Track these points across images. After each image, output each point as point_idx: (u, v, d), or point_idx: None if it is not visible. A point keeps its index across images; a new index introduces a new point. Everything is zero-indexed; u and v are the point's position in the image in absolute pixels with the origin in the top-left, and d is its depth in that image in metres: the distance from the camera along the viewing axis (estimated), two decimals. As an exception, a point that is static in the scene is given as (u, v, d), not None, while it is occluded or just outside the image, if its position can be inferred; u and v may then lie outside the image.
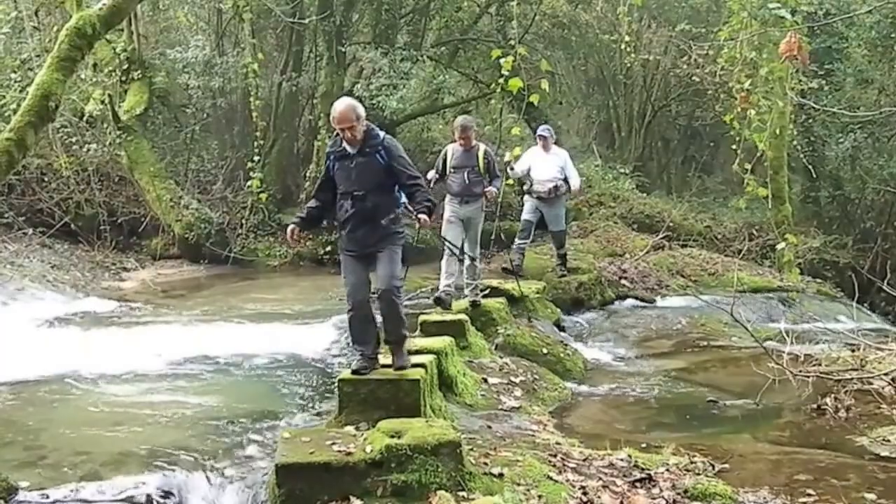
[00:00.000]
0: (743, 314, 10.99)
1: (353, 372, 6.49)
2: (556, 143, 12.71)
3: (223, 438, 6.30)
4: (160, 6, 19.86)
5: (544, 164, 12.20)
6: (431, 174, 9.65)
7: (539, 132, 12.56)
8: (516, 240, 12.49)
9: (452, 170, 9.72)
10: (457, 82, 20.99)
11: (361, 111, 6.42)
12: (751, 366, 9.13)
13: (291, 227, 6.75)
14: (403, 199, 6.64)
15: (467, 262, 9.77)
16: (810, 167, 18.12)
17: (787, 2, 7.45)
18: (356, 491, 5.12)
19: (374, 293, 6.58)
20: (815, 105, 13.41)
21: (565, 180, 12.21)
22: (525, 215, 12.46)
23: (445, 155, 9.87)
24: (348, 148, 6.44)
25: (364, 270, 6.56)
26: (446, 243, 9.42)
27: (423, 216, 6.37)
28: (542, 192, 12.16)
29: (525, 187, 12.48)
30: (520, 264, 12.08)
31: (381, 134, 6.54)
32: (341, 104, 6.42)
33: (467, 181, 9.64)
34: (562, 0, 21.09)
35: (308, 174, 17.31)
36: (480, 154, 9.74)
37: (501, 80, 6.97)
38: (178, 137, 19.50)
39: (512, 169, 11.58)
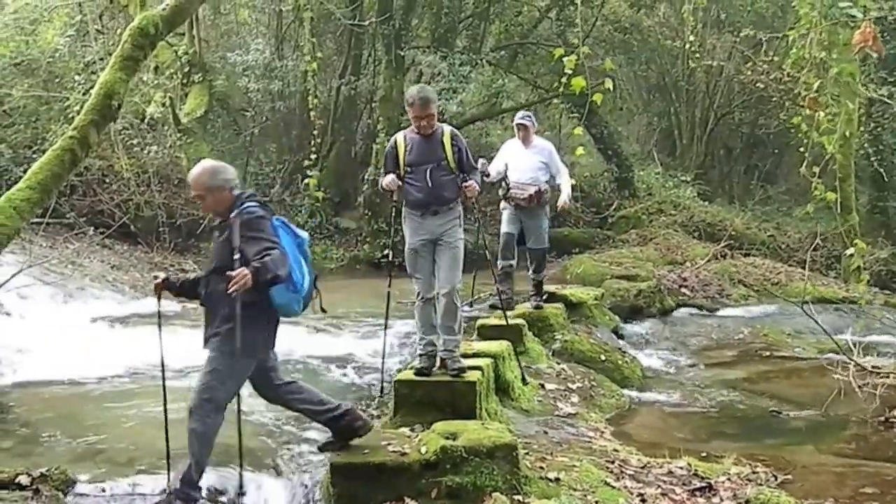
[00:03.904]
0: (808, 324, 10.78)
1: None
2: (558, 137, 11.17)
3: (277, 437, 6.32)
4: (221, 10, 20.08)
5: (523, 161, 9.49)
6: (388, 179, 6.71)
7: (517, 120, 9.77)
8: (499, 261, 9.66)
9: (408, 169, 6.66)
10: (516, 87, 20.96)
11: (216, 180, 5.12)
12: (815, 377, 8.97)
13: (160, 281, 5.42)
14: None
15: (441, 304, 6.65)
16: (881, 171, 17.69)
17: (858, 1, 7.28)
18: (411, 492, 5.10)
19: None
20: (888, 100, 13.02)
21: (550, 182, 9.67)
22: (504, 227, 9.69)
23: (394, 148, 6.76)
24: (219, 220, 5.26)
25: None
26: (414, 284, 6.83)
27: (243, 268, 4.75)
28: (520, 198, 9.43)
29: (501, 192, 9.49)
30: (511, 296, 9.63)
31: (244, 205, 5.07)
32: (195, 168, 5.18)
33: (430, 183, 6.59)
34: (623, 4, 20.89)
35: (366, 177, 17.33)
36: (447, 140, 6.69)
37: (564, 80, 6.80)
38: (237, 140, 19.71)
39: (487, 175, 8.17)
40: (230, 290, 4.69)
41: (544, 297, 10.01)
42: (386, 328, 6.88)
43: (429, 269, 6.69)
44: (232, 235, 4.93)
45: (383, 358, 6.77)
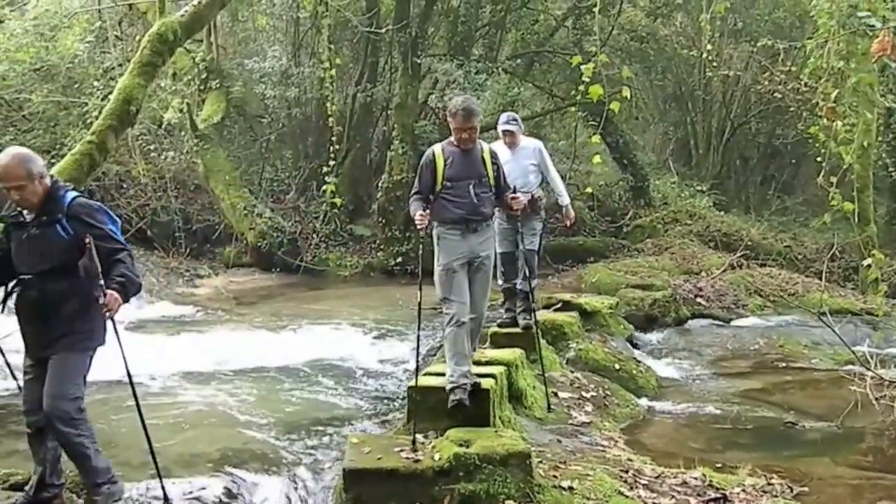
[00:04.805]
0: (824, 335, 10.69)
1: None
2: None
3: (291, 442, 6.32)
4: (239, 17, 20.18)
5: (512, 165, 8.27)
6: (416, 206, 6.30)
7: (501, 126, 8.61)
8: (500, 282, 8.63)
9: (447, 183, 6.32)
10: (532, 95, 20.92)
11: (36, 167, 4.71)
12: (831, 388, 8.89)
13: None
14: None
15: (469, 323, 6.33)
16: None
17: (878, 10, 7.25)
18: (424, 499, 5.08)
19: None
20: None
21: (543, 185, 8.81)
22: (499, 247, 8.31)
23: (433, 161, 6.38)
24: (25, 214, 4.80)
25: (41, 381, 4.77)
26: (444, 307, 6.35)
27: (112, 292, 4.59)
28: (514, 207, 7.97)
29: None
30: (517, 313, 8.76)
31: (69, 196, 4.81)
32: (5, 157, 4.71)
33: (475, 198, 6.30)
34: (640, 13, 20.86)
35: (381, 184, 17.37)
36: (486, 156, 6.47)
37: (581, 88, 6.76)
38: (253, 147, 19.84)
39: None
40: (106, 317, 4.62)
41: (558, 306, 9.95)
42: (419, 328, 6.66)
43: (466, 291, 6.29)
44: (89, 255, 4.61)
45: (417, 362, 6.71)
